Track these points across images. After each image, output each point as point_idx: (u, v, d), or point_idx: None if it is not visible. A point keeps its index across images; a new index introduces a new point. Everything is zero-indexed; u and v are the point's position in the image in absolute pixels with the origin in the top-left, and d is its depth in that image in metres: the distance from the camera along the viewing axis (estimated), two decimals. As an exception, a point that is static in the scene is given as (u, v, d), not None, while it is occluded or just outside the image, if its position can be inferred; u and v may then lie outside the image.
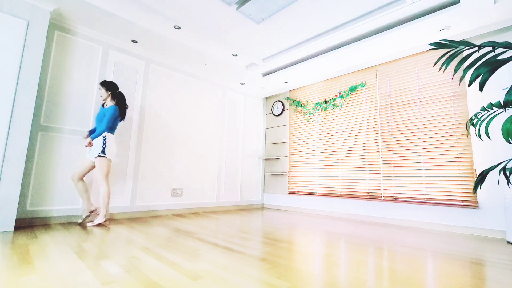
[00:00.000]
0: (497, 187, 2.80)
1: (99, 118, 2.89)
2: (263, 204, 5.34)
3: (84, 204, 2.86)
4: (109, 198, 2.81)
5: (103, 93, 2.92)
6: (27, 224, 2.68)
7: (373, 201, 3.74)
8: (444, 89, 3.29)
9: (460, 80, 1.50)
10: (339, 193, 4.16)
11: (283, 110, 5.27)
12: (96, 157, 2.77)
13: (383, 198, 3.65)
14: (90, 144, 2.77)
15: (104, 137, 2.80)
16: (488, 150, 2.90)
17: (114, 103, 2.95)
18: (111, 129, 2.89)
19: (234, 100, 5.07)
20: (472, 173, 2.98)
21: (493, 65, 1.30)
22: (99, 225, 2.75)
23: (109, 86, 2.95)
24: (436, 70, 3.39)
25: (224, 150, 4.75)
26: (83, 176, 2.82)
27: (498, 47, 1.25)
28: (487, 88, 2.97)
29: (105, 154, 2.77)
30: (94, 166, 2.85)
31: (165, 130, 3.93)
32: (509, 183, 2.37)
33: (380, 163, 3.75)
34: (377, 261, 1.80)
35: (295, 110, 5.05)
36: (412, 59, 3.60)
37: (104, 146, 2.77)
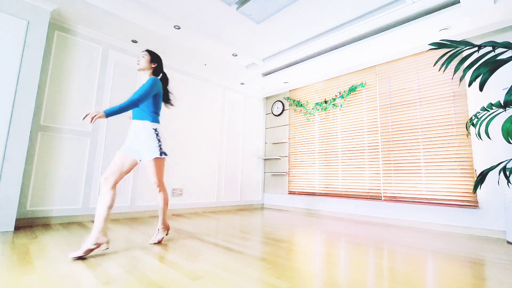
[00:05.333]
0: (497, 187, 2.79)
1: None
2: (263, 204, 5.34)
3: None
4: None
5: (144, 62, 2.14)
6: (27, 224, 2.68)
7: (373, 201, 3.74)
8: (444, 89, 3.29)
9: (460, 80, 1.50)
10: (339, 193, 4.16)
11: (283, 110, 5.27)
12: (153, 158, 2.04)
13: (383, 198, 3.65)
14: (92, 119, 1.72)
15: (154, 129, 2.06)
16: (488, 150, 2.90)
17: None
18: (155, 113, 2.13)
19: (234, 100, 5.07)
20: (472, 173, 2.98)
21: (493, 65, 1.30)
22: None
23: (157, 59, 2.22)
24: (436, 70, 3.39)
25: (224, 150, 4.75)
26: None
27: (498, 47, 1.25)
28: (487, 88, 2.97)
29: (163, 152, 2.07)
30: (133, 167, 2.07)
31: (165, 130, 3.93)
32: (509, 183, 2.37)
33: (380, 163, 3.75)
34: (377, 261, 1.80)
35: (295, 110, 5.05)
36: (412, 59, 3.60)
37: (159, 142, 2.06)
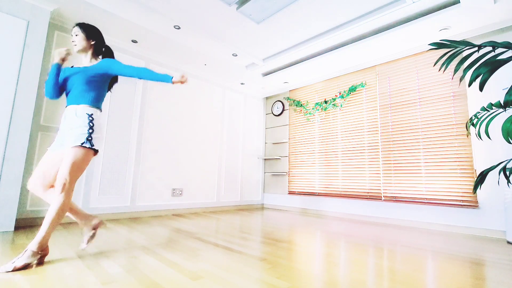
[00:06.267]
0: (497, 187, 2.79)
1: (75, 83, 1.70)
2: (263, 204, 5.34)
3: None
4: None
5: (80, 41, 1.76)
6: (27, 224, 2.68)
7: (373, 201, 3.74)
8: (444, 89, 3.29)
9: (460, 80, 1.50)
10: (339, 193, 4.16)
11: (283, 110, 5.27)
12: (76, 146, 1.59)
13: (383, 198, 3.65)
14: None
15: (89, 114, 1.66)
16: (488, 150, 2.90)
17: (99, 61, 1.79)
18: (99, 96, 1.76)
19: (234, 100, 5.07)
20: (472, 173, 2.98)
21: (493, 65, 1.30)
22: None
23: (94, 33, 1.81)
24: (436, 70, 3.39)
25: (224, 150, 4.75)
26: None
27: (498, 47, 1.25)
28: (487, 88, 2.97)
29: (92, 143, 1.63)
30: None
31: (165, 130, 3.93)
32: (509, 183, 2.37)
33: (380, 163, 3.75)
34: (377, 261, 1.80)
35: (295, 110, 5.05)
36: (412, 59, 3.60)
37: (91, 128, 1.64)
